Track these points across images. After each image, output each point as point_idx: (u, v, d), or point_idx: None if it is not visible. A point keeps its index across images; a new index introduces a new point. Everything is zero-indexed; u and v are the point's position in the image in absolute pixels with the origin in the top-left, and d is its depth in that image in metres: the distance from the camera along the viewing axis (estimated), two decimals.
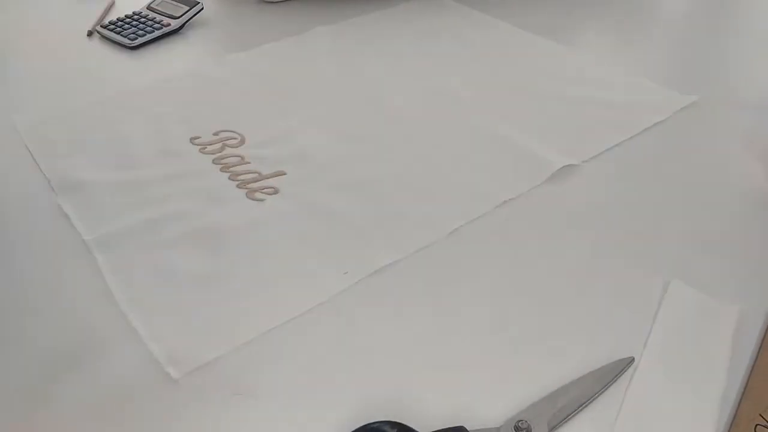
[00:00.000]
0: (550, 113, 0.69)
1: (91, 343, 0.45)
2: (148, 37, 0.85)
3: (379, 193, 0.58)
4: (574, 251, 0.52)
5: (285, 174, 0.60)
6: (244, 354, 0.44)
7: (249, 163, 0.62)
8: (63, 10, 0.96)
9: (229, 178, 0.60)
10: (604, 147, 0.63)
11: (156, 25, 0.87)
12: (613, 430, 0.39)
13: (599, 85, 0.73)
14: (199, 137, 0.66)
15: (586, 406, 0.40)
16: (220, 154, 0.63)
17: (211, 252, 0.52)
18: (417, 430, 0.38)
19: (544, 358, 0.43)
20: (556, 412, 0.39)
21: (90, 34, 0.89)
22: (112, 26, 0.88)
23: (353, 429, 0.38)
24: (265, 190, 0.58)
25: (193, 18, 0.89)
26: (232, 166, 0.61)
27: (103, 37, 0.88)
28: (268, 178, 0.60)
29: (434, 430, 0.38)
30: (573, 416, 0.39)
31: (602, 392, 0.40)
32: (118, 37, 0.85)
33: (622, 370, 0.42)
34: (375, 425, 0.38)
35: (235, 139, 0.65)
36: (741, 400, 0.41)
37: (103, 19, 0.91)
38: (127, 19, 0.89)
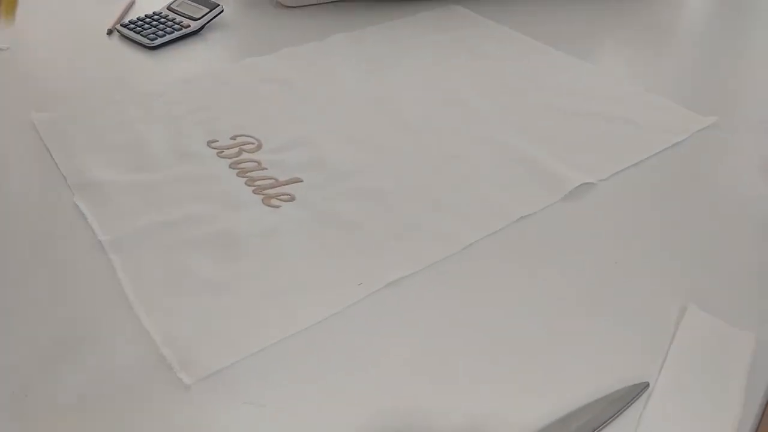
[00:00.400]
0: (569, 129, 0.68)
1: (101, 346, 0.45)
2: (168, 37, 0.85)
3: (394, 204, 0.58)
4: (589, 271, 0.51)
5: (301, 181, 0.60)
6: (255, 362, 0.44)
7: (266, 168, 0.62)
8: (83, 7, 0.97)
9: (245, 184, 0.60)
10: (622, 166, 0.62)
11: (176, 26, 0.87)
12: None
13: (618, 102, 0.73)
14: (216, 141, 0.66)
15: (599, 431, 0.39)
16: (237, 158, 0.63)
17: (225, 257, 0.52)
18: None
19: (557, 379, 0.43)
20: None
21: (110, 32, 0.89)
22: (132, 26, 0.88)
23: None
24: (281, 197, 0.58)
25: (213, 20, 0.90)
26: (249, 171, 0.61)
27: (123, 36, 0.88)
28: (284, 184, 0.60)
29: None
30: None
31: (616, 417, 0.40)
32: (138, 37, 0.86)
33: (637, 395, 0.41)
34: None
35: (252, 144, 0.65)
36: (757, 428, 0.41)
37: (123, 18, 0.92)
38: (147, 19, 0.89)
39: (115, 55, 0.84)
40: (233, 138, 0.66)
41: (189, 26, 0.87)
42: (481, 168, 0.63)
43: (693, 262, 0.52)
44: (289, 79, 0.78)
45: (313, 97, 0.74)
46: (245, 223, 0.56)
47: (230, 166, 0.62)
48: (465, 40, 0.88)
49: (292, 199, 0.58)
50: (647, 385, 0.42)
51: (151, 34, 0.85)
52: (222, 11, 0.90)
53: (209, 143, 0.66)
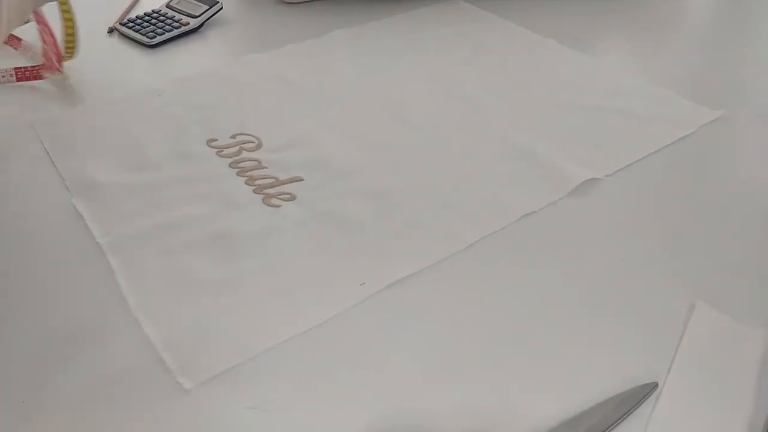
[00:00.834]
0: (574, 124, 0.67)
1: (99, 349, 0.44)
2: (167, 35, 0.85)
3: (396, 202, 0.57)
4: (596, 268, 0.51)
5: (302, 180, 0.60)
6: (256, 365, 0.43)
7: (266, 168, 0.61)
8: (83, 8, 0.96)
9: (245, 183, 0.59)
10: (628, 161, 0.61)
11: (175, 24, 0.87)
12: None
13: (624, 96, 0.72)
14: (216, 140, 0.65)
15: None
16: (237, 157, 0.62)
17: (226, 258, 0.51)
18: None
19: (563, 380, 0.42)
20: None
21: (111, 31, 0.88)
22: (131, 24, 0.87)
23: None
24: (282, 196, 0.58)
25: (213, 17, 0.89)
26: (249, 170, 0.61)
27: (122, 34, 0.87)
28: (284, 183, 0.59)
29: None
30: None
31: (624, 418, 0.39)
32: (137, 35, 0.85)
33: (646, 396, 0.40)
34: None
35: (252, 142, 0.65)
36: None
37: (123, 17, 0.91)
38: (146, 17, 0.88)
39: (115, 54, 0.84)
40: (233, 137, 0.65)
41: (188, 24, 0.87)
42: (484, 165, 0.62)
43: (701, 259, 0.51)
44: (289, 77, 0.77)
45: (314, 94, 0.74)
46: (246, 223, 0.55)
47: (230, 165, 0.61)
48: (467, 34, 0.86)
49: (292, 198, 0.58)
50: (656, 385, 0.41)
51: (150, 33, 0.85)
52: (221, 8, 0.90)
53: (209, 142, 0.65)
